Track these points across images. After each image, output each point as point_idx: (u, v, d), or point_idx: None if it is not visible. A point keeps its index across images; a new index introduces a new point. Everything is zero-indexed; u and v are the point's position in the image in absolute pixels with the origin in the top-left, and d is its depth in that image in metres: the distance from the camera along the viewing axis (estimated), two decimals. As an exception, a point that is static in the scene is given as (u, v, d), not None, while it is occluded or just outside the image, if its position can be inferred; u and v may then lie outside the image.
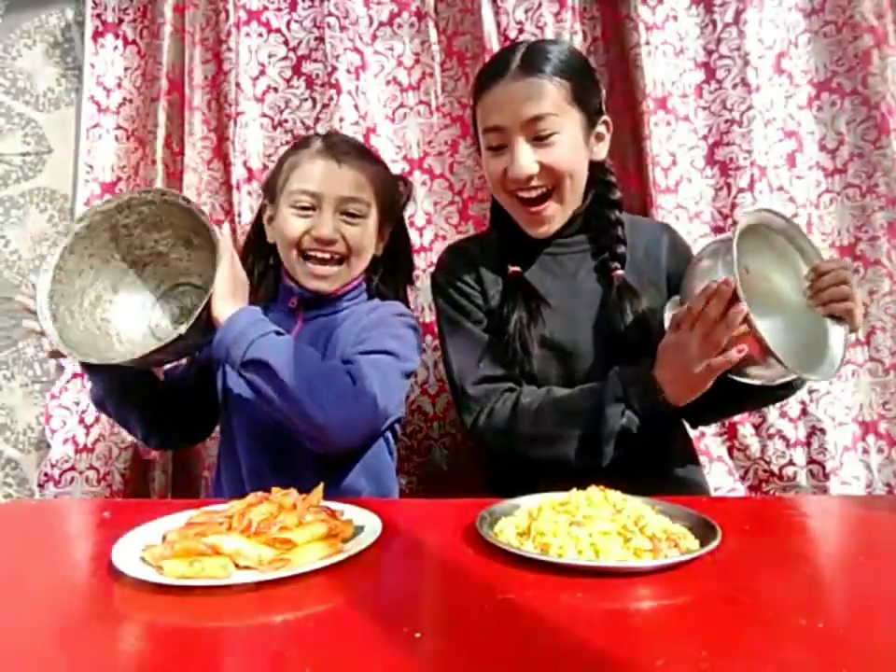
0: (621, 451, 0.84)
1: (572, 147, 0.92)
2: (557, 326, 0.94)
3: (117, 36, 1.42)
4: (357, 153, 1.03)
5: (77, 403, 1.34)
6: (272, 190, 1.05)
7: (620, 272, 0.96)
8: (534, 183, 0.92)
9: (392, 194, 1.07)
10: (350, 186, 0.99)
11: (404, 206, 1.13)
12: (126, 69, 1.42)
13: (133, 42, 1.43)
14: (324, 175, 0.98)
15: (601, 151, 0.99)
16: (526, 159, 0.90)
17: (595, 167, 0.98)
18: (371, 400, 0.87)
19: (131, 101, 1.42)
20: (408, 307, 1.11)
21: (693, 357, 0.78)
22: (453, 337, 0.99)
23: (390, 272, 1.11)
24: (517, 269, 0.98)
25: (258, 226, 1.10)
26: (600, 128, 0.97)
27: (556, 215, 0.95)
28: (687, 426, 1.07)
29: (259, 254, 1.08)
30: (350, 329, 1.00)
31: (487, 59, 1.27)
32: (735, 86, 1.26)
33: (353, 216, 1.00)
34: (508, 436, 0.90)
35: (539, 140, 0.90)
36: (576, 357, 0.95)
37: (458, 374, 0.96)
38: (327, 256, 1.00)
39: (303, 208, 0.99)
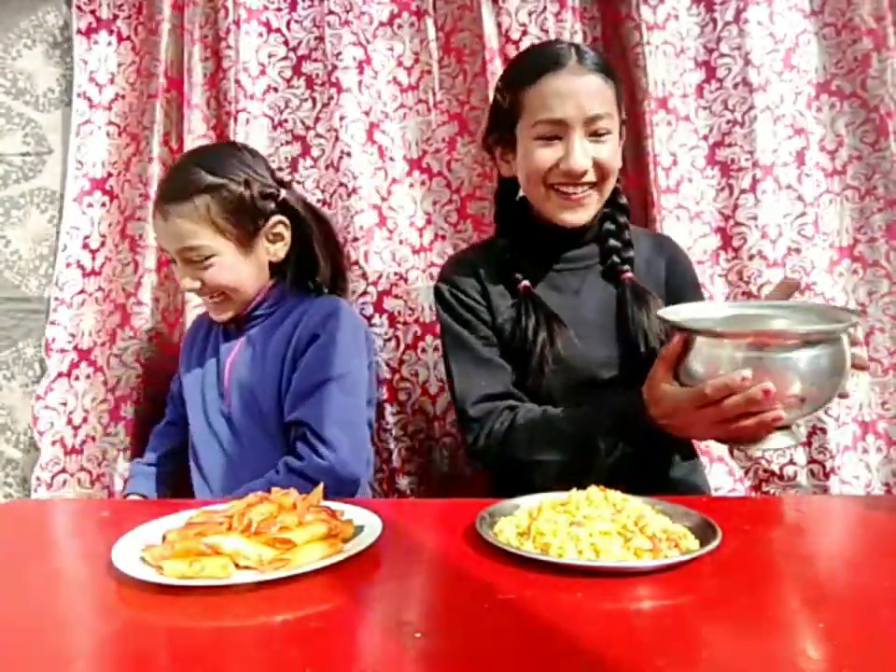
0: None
1: (617, 146, 0.94)
2: (564, 343, 0.93)
3: (111, 33, 1.41)
4: (175, 196, 0.98)
5: (65, 404, 1.32)
6: None
7: (629, 274, 0.96)
8: (584, 179, 0.92)
9: (239, 208, 0.99)
10: (181, 237, 0.98)
11: (265, 205, 1.03)
12: (119, 65, 1.41)
13: (128, 38, 1.42)
14: (158, 234, 1.02)
15: (620, 157, 0.99)
16: (584, 153, 0.90)
17: None
18: (336, 460, 0.93)
19: (123, 97, 1.41)
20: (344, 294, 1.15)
21: (699, 430, 0.76)
22: (455, 353, 0.99)
23: (306, 273, 1.09)
24: (527, 283, 0.97)
25: None
26: (623, 133, 1.00)
27: (593, 205, 0.95)
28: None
29: None
30: (291, 332, 1.03)
31: (487, 57, 1.27)
32: (735, 86, 1.26)
33: (197, 262, 0.98)
34: (502, 458, 0.91)
35: (594, 136, 0.91)
36: (580, 373, 0.94)
37: (460, 394, 0.96)
38: (212, 302, 1.04)
39: (173, 262, 1.03)
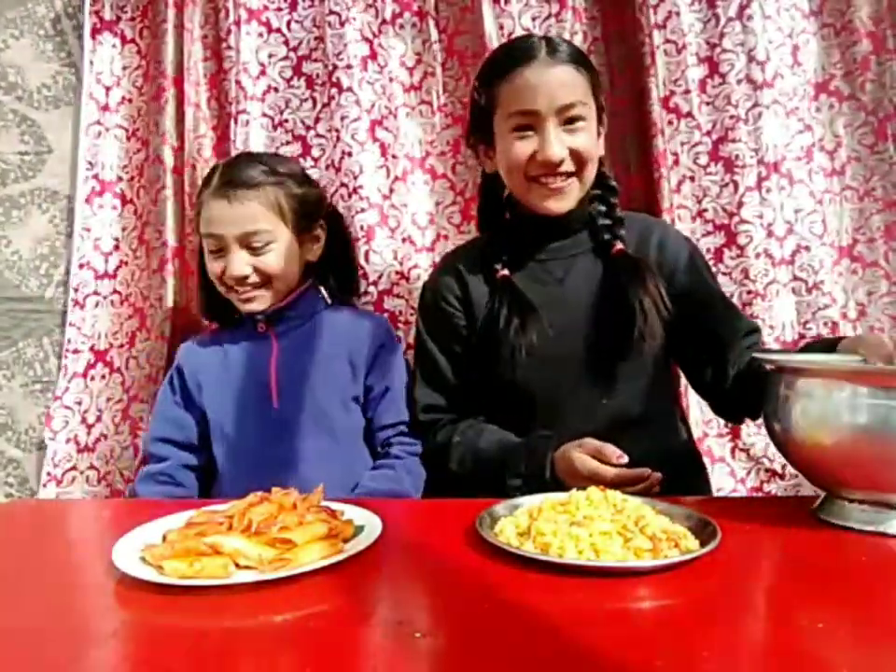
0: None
1: (593, 135, 0.95)
2: (542, 334, 0.93)
3: (114, 34, 1.41)
4: (256, 179, 1.03)
5: (80, 403, 1.34)
6: (197, 228, 1.10)
7: (620, 246, 0.97)
8: (562, 169, 0.93)
9: (304, 204, 1.08)
10: (246, 221, 1.01)
11: (319, 207, 1.12)
12: (125, 68, 1.42)
13: (132, 41, 1.42)
14: (220, 217, 1.02)
15: (602, 146, 1.01)
16: (559, 143, 0.91)
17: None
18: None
19: (130, 100, 1.42)
20: (357, 296, 1.23)
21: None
22: (419, 360, 1.05)
23: (331, 271, 1.17)
24: (506, 273, 0.98)
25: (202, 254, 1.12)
26: (603, 121, 1.00)
27: (574, 192, 0.96)
28: (692, 425, 1.08)
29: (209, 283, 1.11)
30: (347, 339, 1.07)
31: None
32: (739, 81, 1.25)
33: (257, 248, 1.02)
34: (441, 469, 0.96)
35: (568, 125, 0.92)
36: (559, 366, 0.94)
37: (414, 398, 1.03)
38: (247, 295, 1.04)
39: (215, 251, 1.03)
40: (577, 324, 0.96)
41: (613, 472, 0.75)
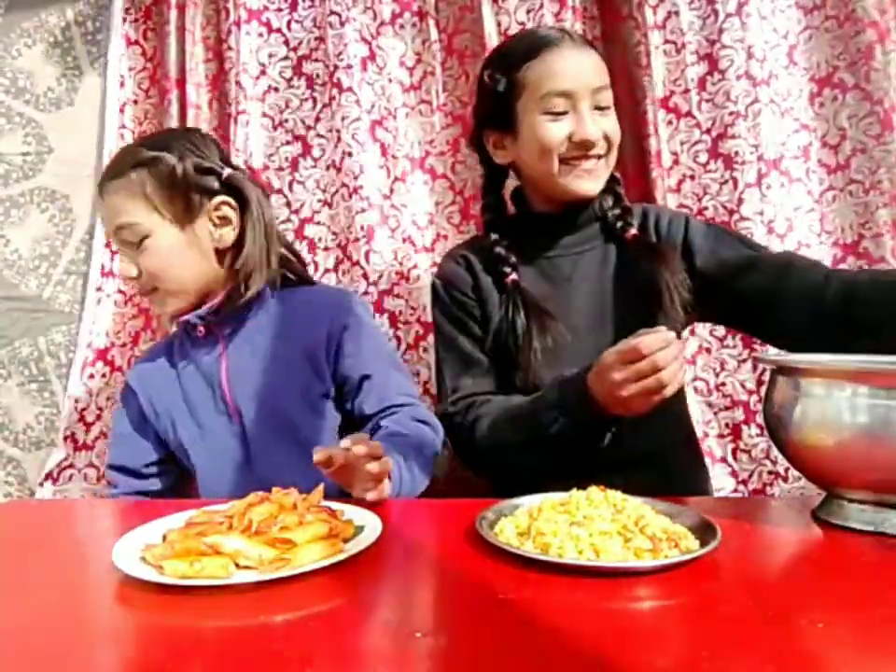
0: (564, 455, 0.84)
1: (617, 120, 0.97)
2: (554, 337, 0.93)
3: (120, 37, 1.41)
4: (112, 172, 0.92)
5: (78, 401, 1.34)
6: None
7: (634, 231, 0.97)
8: (595, 151, 0.94)
9: (175, 183, 0.91)
10: (112, 215, 0.91)
11: (206, 182, 0.94)
12: (130, 69, 1.42)
13: (136, 43, 1.42)
14: (101, 217, 0.97)
15: None
16: (596, 124, 0.93)
17: None
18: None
19: (136, 102, 1.42)
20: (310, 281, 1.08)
21: (605, 389, 0.76)
22: (445, 352, 1.01)
23: (263, 252, 0.96)
24: (515, 278, 0.97)
25: None
26: None
27: (603, 174, 0.97)
28: (694, 426, 1.07)
29: None
30: (301, 328, 0.96)
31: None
32: (739, 77, 1.25)
33: (133, 244, 0.91)
34: (472, 446, 0.92)
35: (599, 109, 0.94)
36: (570, 362, 0.92)
37: (446, 392, 0.99)
38: (150, 298, 0.97)
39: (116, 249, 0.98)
40: (585, 322, 0.95)
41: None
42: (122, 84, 1.41)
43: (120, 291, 1.39)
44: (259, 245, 0.95)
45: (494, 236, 1.02)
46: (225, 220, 0.95)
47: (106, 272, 1.38)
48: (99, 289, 1.37)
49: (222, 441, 0.96)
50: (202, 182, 0.93)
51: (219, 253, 0.96)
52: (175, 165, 0.91)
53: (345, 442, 0.66)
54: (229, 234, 0.95)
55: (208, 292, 0.96)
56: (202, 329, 0.96)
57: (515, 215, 1.05)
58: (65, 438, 1.33)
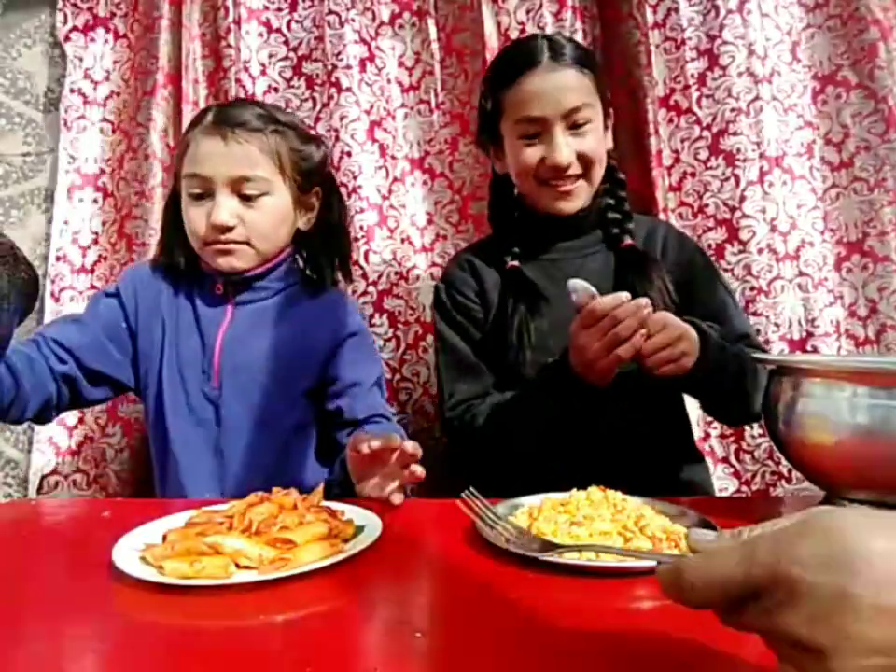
0: (561, 434, 0.87)
1: (599, 135, 0.97)
2: (552, 331, 0.94)
3: (107, 30, 1.41)
4: (255, 123, 0.92)
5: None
6: (177, 172, 0.97)
7: (629, 241, 0.98)
8: (570, 172, 0.95)
9: (306, 160, 0.97)
10: (242, 163, 0.90)
11: (321, 170, 1.01)
12: (115, 62, 1.42)
13: (124, 36, 1.42)
14: (211, 155, 0.90)
15: (609, 140, 1.03)
16: (566, 147, 0.93)
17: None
18: None
19: (118, 94, 1.42)
20: (349, 280, 1.10)
21: (577, 351, 0.78)
22: (444, 357, 1.03)
23: (323, 249, 1.04)
24: (515, 263, 1.00)
25: (175, 200, 1.00)
26: (609, 118, 1.03)
27: (584, 192, 0.98)
28: (693, 425, 1.07)
29: (175, 228, 0.99)
30: (309, 330, 0.97)
31: (488, 56, 1.26)
32: (740, 74, 1.25)
33: (249, 197, 0.91)
34: (474, 438, 0.94)
35: (574, 129, 0.94)
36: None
37: (444, 396, 1.00)
38: (226, 247, 0.92)
39: (198, 196, 0.92)
40: None
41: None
42: (108, 77, 1.41)
43: (93, 287, 1.35)
44: (328, 242, 1.03)
45: (500, 236, 1.05)
46: (311, 206, 1.01)
47: (77, 268, 1.35)
48: (70, 287, 1.34)
49: (196, 399, 0.94)
50: (317, 167, 1.00)
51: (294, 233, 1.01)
52: (312, 148, 0.99)
53: (377, 441, 0.70)
54: (311, 220, 1.01)
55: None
56: (220, 286, 0.97)
57: (520, 216, 1.06)
58: (47, 440, 1.31)
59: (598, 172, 0.98)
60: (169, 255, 1.00)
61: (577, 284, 0.76)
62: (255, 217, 0.92)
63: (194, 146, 0.92)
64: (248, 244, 0.93)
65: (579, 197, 0.97)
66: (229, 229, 0.91)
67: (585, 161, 0.95)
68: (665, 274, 0.95)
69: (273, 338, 0.96)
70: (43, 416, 0.90)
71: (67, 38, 1.41)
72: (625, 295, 0.75)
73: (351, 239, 1.09)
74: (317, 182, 1.01)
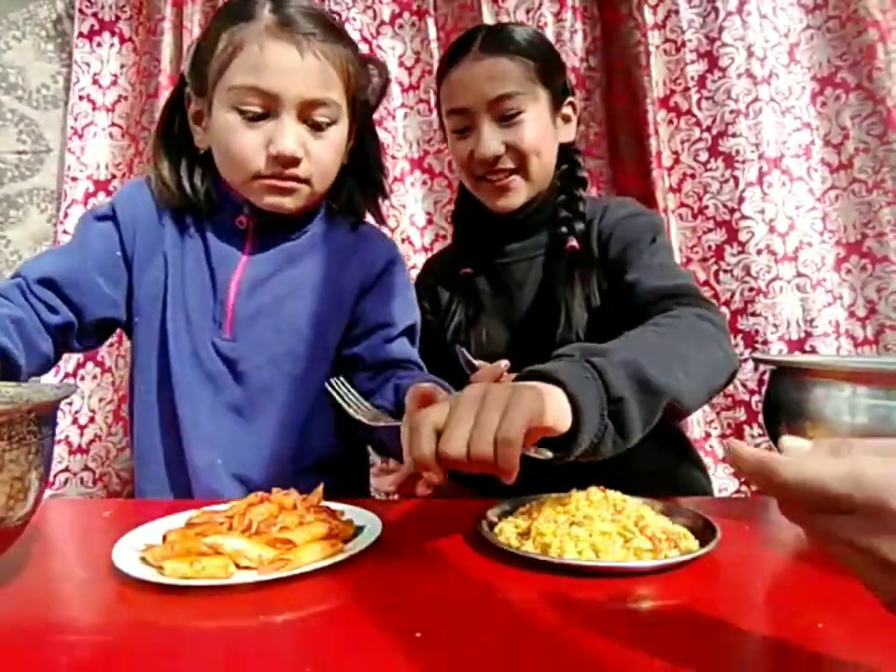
0: None
1: (538, 126, 0.91)
2: (493, 337, 0.93)
3: (113, 34, 1.41)
4: (324, 32, 0.76)
5: (70, 403, 1.34)
6: (200, 78, 0.78)
7: (573, 243, 0.91)
8: (500, 165, 0.91)
9: (366, 84, 0.85)
10: (317, 83, 0.76)
11: (379, 100, 0.91)
12: (122, 66, 1.42)
13: (129, 40, 1.42)
14: (281, 68, 0.73)
15: (569, 133, 0.98)
16: (492, 139, 0.89)
17: (564, 150, 0.97)
18: None
19: (126, 98, 1.42)
20: (383, 223, 0.96)
21: None
22: None
23: (358, 182, 0.90)
24: (468, 271, 0.98)
25: (174, 117, 0.83)
26: (566, 109, 0.97)
27: (521, 188, 0.93)
28: (694, 425, 1.07)
29: (181, 154, 0.82)
30: (338, 268, 0.84)
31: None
32: (739, 76, 1.25)
33: (319, 126, 0.78)
34: None
35: (504, 120, 0.90)
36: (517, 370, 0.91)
37: None
38: (286, 185, 0.78)
39: (255, 115, 0.75)
40: (527, 331, 0.94)
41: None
42: (115, 82, 1.41)
43: None
44: (365, 178, 0.91)
45: (457, 241, 1.05)
46: (351, 138, 0.87)
47: None
48: None
49: (206, 351, 0.80)
50: (377, 97, 0.89)
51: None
52: (365, 64, 0.84)
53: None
54: (346, 154, 0.87)
55: None
56: (244, 219, 0.82)
57: (475, 220, 1.03)
58: (57, 441, 1.32)
59: (538, 166, 0.92)
60: (179, 188, 0.81)
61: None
62: (321, 150, 0.78)
63: (256, 50, 0.73)
64: (308, 182, 0.79)
65: (516, 193, 0.93)
66: (295, 162, 0.76)
67: (517, 153, 0.90)
68: (594, 277, 0.89)
69: (298, 279, 0.83)
70: (39, 375, 0.79)
71: (65, 34, 1.41)
72: (504, 364, 0.72)
73: (385, 171, 0.93)
74: (369, 112, 0.88)
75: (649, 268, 0.84)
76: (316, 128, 0.77)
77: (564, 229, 0.94)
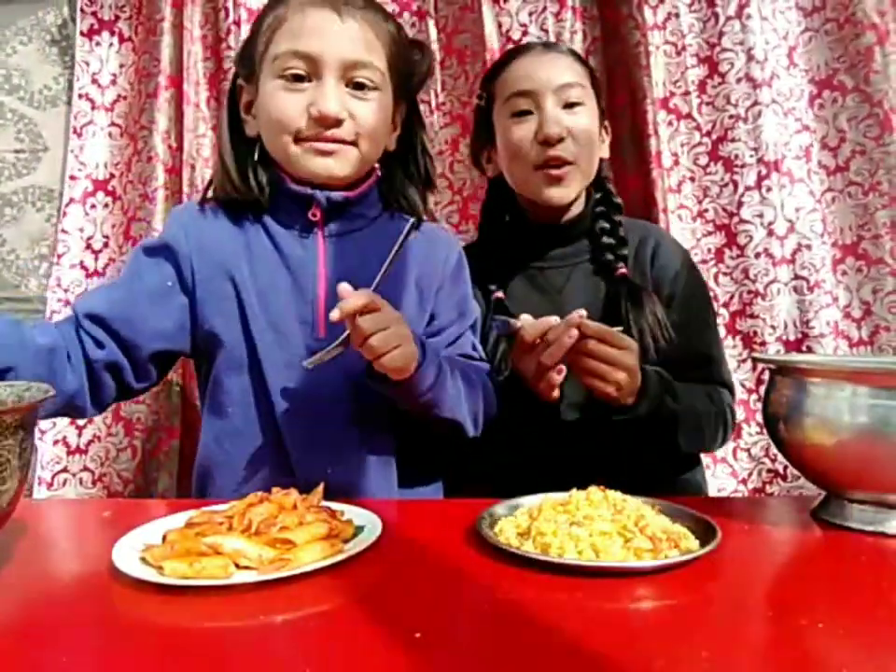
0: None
1: (594, 121, 0.95)
2: None
3: (112, 34, 1.41)
4: (364, 1, 0.78)
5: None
6: (248, 63, 0.80)
7: (623, 270, 0.95)
8: (560, 150, 0.91)
9: (408, 62, 0.84)
10: (357, 45, 0.76)
11: (422, 83, 0.88)
12: (121, 66, 1.42)
13: (129, 39, 1.42)
14: (322, 31, 0.74)
15: (605, 149, 1.01)
16: (557, 119, 0.91)
17: (600, 164, 1.00)
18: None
19: (125, 98, 1.42)
20: (434, 219, 0.97)
21: (533, 380, 0.78)
22: None
23: (406, 173, 0.88)
24: (500, 295, 0.97)
25: (233, 119, 0.84)
26: (603, 127, 1.02)
27: (576, 181, 0.95)
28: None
29: (243, 153, 0.82)
30: (414, 266, 0.83)
31: (488, 58, 1.27)
32: (739, 80, 1.26)
33: (362, 87, 0.77)
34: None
35: (568, 106, 0.92)
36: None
37: None
38: (329, 147, 0.77)
39: (296, 78, 0.75)
40: None
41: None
42: (114, 81, 1.41)
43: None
44: (416, 168, 0.88)
45: (486, 246, 1.03)
46: (396, 125, 0.87)
47: (91, 272, 1.37)
48: (85, 292, 1.36)
49: (294, 351, 0.76)
50: (421, 76, 0.88)
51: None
52: (411, 44, 0.86)
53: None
54: (394, 139, 0.87)
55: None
56: (317, 211, 0.79)
57: (510, 224, 1.04)
58: (55, 441, 1.32)
59: (591, 159, 0.95)
60: (243, 178, 0.79)
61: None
62: (366, 111, 0.77)
63: (299, 17, 0.75)
64: (355, 143, 0.78)
65: (571, 185, 0.94)
66: (338, 122, 0.75)
67: (578, 142, 0.92)
68: (659, 308, 0.91)
69: (378, 273, 0.76)
70: (73, 413, 0.77)
71: (69, 37, 1.41)
72: (554, 319, 0.75)
73: (433, 162, 0.91)
74: (410, 94, 0.87)
75: (716, 346, 0.99)
76: (359, 88, 0.77)
77: (610, 255, 0.96)
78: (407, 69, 0.83)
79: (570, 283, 0.98)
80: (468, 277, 0.92)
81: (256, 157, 0.81)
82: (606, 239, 0.98)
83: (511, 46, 1.28)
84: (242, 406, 0.78)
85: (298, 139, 0.76)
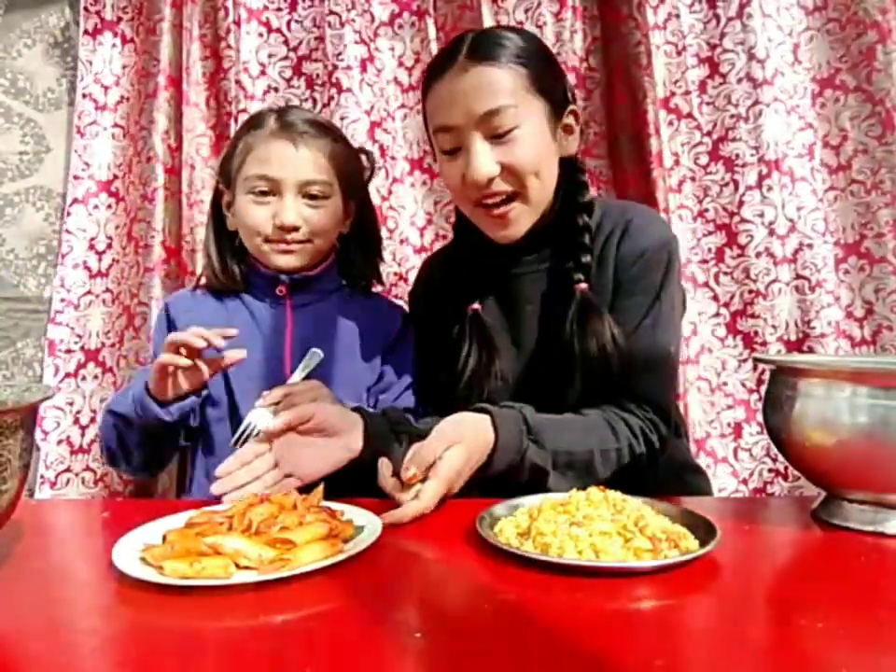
0: None
1: (536, 141, 0.81)
2: (509, 360, 0.89)
3: (115, 35, 1.41)
4: (316, 131, 0.98)
5: (71, 404, 1.33)
6: (226, 176, 1.00)
7: (583, 285, 0.85)
8: (496, 188, 0.81)
9: (354, 170, 1.03)
10: (310, 167, 0.96)
11: (368, 180, 1.09)
12: (124, 67, 1.42)
13: (131, 40, 1.42)
14: (281, 158, 0.94)
15: (571, 145, 0.88)
16: (484, 159, 0.79)
17: (565, 163, 0.88)
18: None
19: (128, 99, 1.42)
20: (381, 283, 1.14)
21: None
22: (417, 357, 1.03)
23: (360, 247, 1.08)
24: (476, 307, 0.92)
25: (216, 210, 1.04)
26: (568, 119, 0.87)
27: (522, 216, 0.85)
28: (695, 425, 1.07)
29: (223, 240, 1.03)
30: (364, 330, 1.01)
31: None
32: (739, 80, 1.25)
33: (315, 197, 0.96)
34: None
35: (497, 138, 0.80)
36: (524, 390, 0.88)
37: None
38: (289, 247, 0.96)
39: (263, 193, 0.95)
40: (538, 347, 0.90)
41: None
42: (117, 82, 1.41)
43: (108, 290, 1.37)
44: (366, 246, 1.08)
45: (459, 253, 0.99)
46: (350, 213, 1.04)
47: (94, 273, 1.37)
48: (88, 293, 1.36)
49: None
50: (366, 177, 1.07)
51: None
52: (354, 153, 1.06)
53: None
54: (348, 225, 1.05)
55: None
56: (283, 288, 0.99)
57: (478, 240, 0.93)
58: (59, 441, 1.32)
59: (537, 187, 0.83)
60: (223, 269, 1.01)
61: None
62: (318, 217, 0.97)
63: (263, 147, 0.95)
64: (310, 241, 0.98)
65: (517, 223, 0.84)
66: (296, 229, 0.95)
67: (515, 174, 0.80)
68: (609, 329, 0.82)
69: (336, 340, 0.99)
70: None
71: (72, 39, 1.41)
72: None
73: (381, 239, 1.12)
74: (360, 188, 1.06)
75: (637, 339, 0.84)
76: (313, 198, 0.96)
77: (571, 263, 0.86)
78: (353, 175, 1.02)
79: (537, 290, 0.91)
80: (411, 340, 1.04)
81: (236, 244, 1.02)
82: (565, 246, 0.88)
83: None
84: (228, 448, 0.88)
85: (266, 240, 0.96)
